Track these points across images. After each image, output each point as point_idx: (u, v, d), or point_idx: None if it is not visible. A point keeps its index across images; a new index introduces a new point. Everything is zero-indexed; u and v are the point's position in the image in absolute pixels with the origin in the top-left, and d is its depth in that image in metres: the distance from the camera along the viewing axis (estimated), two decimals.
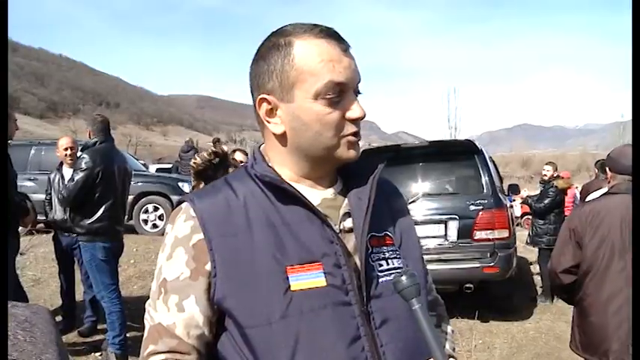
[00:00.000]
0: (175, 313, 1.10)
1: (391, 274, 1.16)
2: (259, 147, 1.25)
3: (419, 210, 6.41)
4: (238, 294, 1.06)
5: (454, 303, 6.83)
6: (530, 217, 10.36)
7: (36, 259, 8.65)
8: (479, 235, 6.17)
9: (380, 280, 1.14)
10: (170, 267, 1.12)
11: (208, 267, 1.08)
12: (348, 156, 1.15)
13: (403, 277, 1.06)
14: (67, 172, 5.54)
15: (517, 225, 14.59)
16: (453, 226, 6.24)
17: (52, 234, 6.37)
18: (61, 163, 5.92)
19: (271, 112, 1.15)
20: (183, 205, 1.15)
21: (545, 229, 7.66)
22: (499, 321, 6.57)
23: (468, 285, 6.29)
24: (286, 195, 1.13)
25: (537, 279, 8.48)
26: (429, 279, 1.38)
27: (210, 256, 1.08)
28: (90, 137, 5.12)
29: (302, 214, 1.12)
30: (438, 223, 6.31)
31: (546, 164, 8.44)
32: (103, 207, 4.95)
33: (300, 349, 1.04)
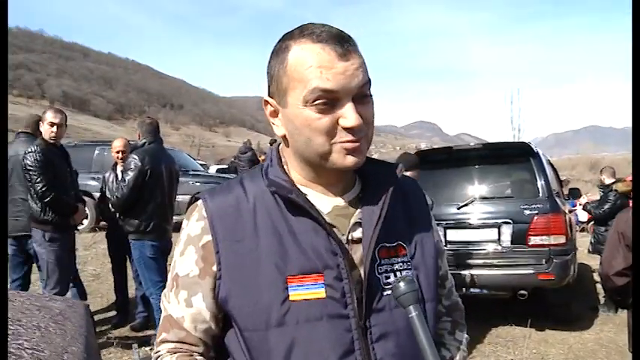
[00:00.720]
0: (184, 308, 1.15)
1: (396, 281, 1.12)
2: (278, 146, 1.24)
3: (471, 214, 6.28)
4: (239, 297, 1.09)
5: (508, 309, 6.64)
6: None
7: (97, 255, 8.96)
8: (533, 240, 5.95)
9: (384, 293, 1.13)
10: (182, 263, 1.16)
11: (215, 268, 1.12)
12: (344, 163, 1.10)
13: (401, 284, 1.05)
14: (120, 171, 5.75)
15: (582, 231, 14.09)
16: (507, 231, 6.05)
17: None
18: (116, 164, 6.15)
19: (275, 114, 1.17)
20: (199, 202, 1.18)
21: (607, 236, 7.27)
22: (555, 330, 6.30)
23: (521, 292, 6.07)
24: (294, 204, 1.12)
25: (600, 287, 8.11)
26: (447, 284, 1.37)
27: (217, 258, 1.11)
28: (139, 139, 5.28)
29: (308, 224, 1.12)
30: (491, 228, 6.13)
31: (601, 171, 8.11)
32: (152, 206, 5.12)
33: (293, 358, 1.06)
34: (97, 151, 12.04)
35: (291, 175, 1.18)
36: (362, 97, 1.10)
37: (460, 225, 6.29)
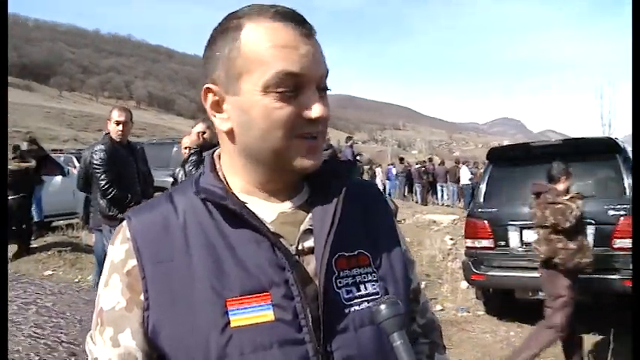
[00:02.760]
0: (110, 348, 0.95)
1: (363, 302, 0.95)
2: (213, 152, 1.07)
3: None
4: (171, 329, 0.91)
5: (589, 316, 6.22)
6: None
7: None
8: (619, 243, 5.54)
9: (347, 310, 0.95)
10: (106, 295, 0.97)
11: (142, 297, 0.93)
12: (302, 165, 0.95)
13: (382, 307, 0.87)
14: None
15: None
16: (589, 233, 5.65)
17: None
18: (185, 160, 6.21)
19: (217, 106, 0.98)
20: (123, 223, 1.00)
21: None
22: None
23: (605, 298, 5.67)
24: (229, 213, 0.95)
25: None
26: (421, 298, 1.17)
27: (144, 285, 0.93)
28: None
29: (248, 235, 0.94)
30: None
31: None
32: None
33: None
34: (174, 149, 12.32)
35: (228, 182, 1.01)
36: (322, 89, 0.96)
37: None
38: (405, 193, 25.88)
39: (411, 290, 1.13)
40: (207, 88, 0.98)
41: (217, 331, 0.89)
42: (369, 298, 0.97)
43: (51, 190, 11.23)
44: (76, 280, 7.41)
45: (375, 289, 0.99)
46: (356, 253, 1.01)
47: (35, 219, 10.24)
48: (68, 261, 8.66)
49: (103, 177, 4.86)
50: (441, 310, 7.03)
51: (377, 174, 30.95)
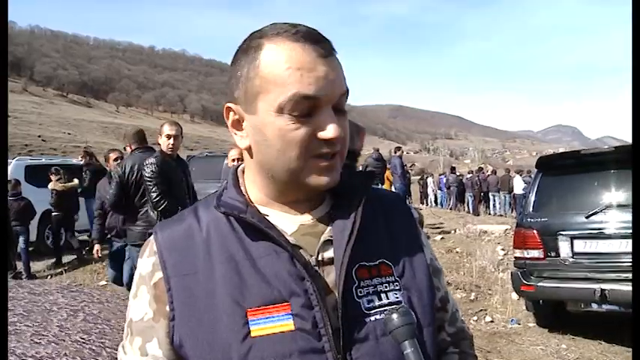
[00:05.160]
0: (139, 357, 0.99)
1: (384, 311, 0.96)
2: (237, 167, 1.10)
3: (603, 223, 5.74)
4: (194, 339, 0.94)
5: None
6: None
7: None
8: None
9: (367, 319, 0.96)
10: (135, 307, 1.02)
11: (168, 308, 0.97)
12: (317, 183, 0.97)
13: (394, 315, 0.89)
14: None
15: None
16: None
17: None
18: None
19: (238, 124, 1.01)
20: (151, 237, 1.04)
21: None
22: None
23: None
24: (250, 226, 0.98)
25: None
26: (449, 308, 1.16)
27: (169, 297, 0.97)
28: None
29: (268, 247, 0.96)
30: (623, 239, 5.57)
31: None
32: None
33: None
34: (226, 162, 12.51)
35: (249, 196, 1.04)
36: (339, 109, 0.97)
37: (589, 235, 5.77)
38: (457, 204, 25.51)
39: (438, 299, 1.13)
40: (228, 107, 1.00)
41: (238, 341, 0.91)
42: (390, 308, 0.97)
43: None
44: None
45: (397, 298, 1.00)
46: (377, 262, 1.02)
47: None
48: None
49: (154, 189, 4.97)
50: (491, 321, 6.91)
51: (428, 184, 30.68)
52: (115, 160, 7.22)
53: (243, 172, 1.08)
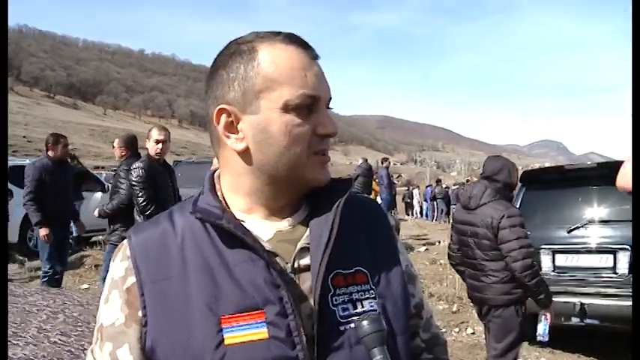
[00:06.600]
0: None
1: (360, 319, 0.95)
2: (213, 173, 1.09)
3: (584, 238, 5.79)
4: (168, 347, 0.93)
5: (625, 344, 6.06)
6: None
7: None
8: None
9: (342, 327, 0.96)
10: (106, 311, 1.01)
11: (140, 314, 0.96)
12: (317, 177, 1.00)
13: (365, 322, 0.90)
14: None
15: None
16: (624, 258, 5.51)
17: None
18: None
19: (231, 126, 0.99)
20: (124, 241, 1.03)
21: None
22: None
23: None
24: (226, 233, 0.97)
25: None
26: (424, 314, 1.17)
27: (142, 302, 0.96)
28: None
29: (244, 254, 0.96)
30: (606, 253, 5.63)
31: None
32: None
33: None
34: (212, 168, 12.54)
35: (227, 201, 1.03)
36: (328, 108, 1.01)
37: (570, 250, 5.83)
38: (441, 216, 25.61)
39: (413, 306, 1.13)
40: (221, 109, 0.98)
41: (212, 348, 0.90)
42: (364, 315, 0.97)
43: (91, 206, 11.51)
44: None
45: (372, 306, 0.99)
46: (353, 270, 1.01)
47: (74, 234, 10.52)
48: None
49: (141, 194, 4.96)
50: (472, 333, 6.93)
51: (414, 195, 30.82)
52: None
53: (219, 177, 1.08)
